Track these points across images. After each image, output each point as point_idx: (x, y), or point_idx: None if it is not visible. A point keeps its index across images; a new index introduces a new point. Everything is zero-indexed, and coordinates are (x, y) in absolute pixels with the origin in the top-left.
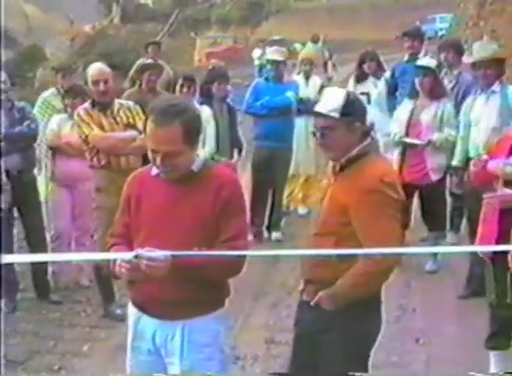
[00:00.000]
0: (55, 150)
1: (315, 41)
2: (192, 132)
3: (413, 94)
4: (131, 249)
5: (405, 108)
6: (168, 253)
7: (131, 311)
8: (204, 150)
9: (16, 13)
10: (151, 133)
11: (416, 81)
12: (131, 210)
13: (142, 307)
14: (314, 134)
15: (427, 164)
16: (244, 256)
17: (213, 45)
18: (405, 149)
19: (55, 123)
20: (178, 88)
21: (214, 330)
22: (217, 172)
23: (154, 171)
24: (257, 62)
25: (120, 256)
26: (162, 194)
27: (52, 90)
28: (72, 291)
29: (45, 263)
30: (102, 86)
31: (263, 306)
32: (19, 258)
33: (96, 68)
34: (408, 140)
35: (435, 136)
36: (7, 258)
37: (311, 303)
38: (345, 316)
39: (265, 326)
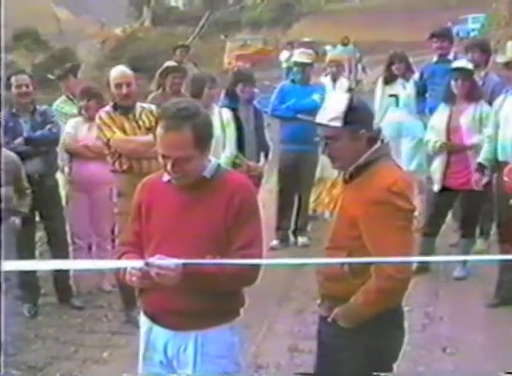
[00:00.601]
0: (73, 154)
1: (345, 43)
2: (203, 137)
3: (449, 98)
4: (142, 257)
5: (442, 114)
6: (180, 261)
7: (143, 321)
8: (224, 154)
9: (48, 17)
10: (161, 138)
11: (453, 84)
12: (142, 217)
13: (153, 317)
14: (319, 144)
15: (472, 169)
16: (259, 265)
17: (243, 48)
18: (448, 155)
19: (70, 126)
20: (205, 90)
21: (228, 342)
22: (230, 178)
23: (165, 177)
24: (284, 64)
25: (130, 264)
26: (173, 201)
27: (61, 98)
28: (94, 295)
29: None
30: (124, 89)
31: (287, 312)
32: (19, 266)
33: (119, 71)
34: (450, 144)
35: (477, 139)
36: (7, 266)
37: (328, 319)
38: (365, 333)
39: (289, 333)
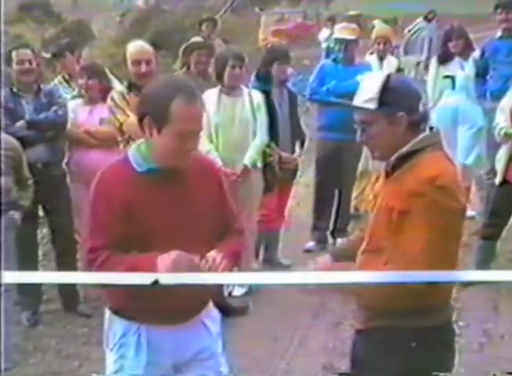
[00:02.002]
0: (73, 141)
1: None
2: None
3: None
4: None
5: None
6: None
7: (126, 330)
8: (254, 142)
9: None
10: (186, 113)
11: None
12: (122, 217)
13: (152, 320)
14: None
15: None
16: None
17: (280, 22)
18: None
19: (69, 109)
20: (228, 69)
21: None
22: (201, 161)
23: (141, 167)
24: (324, 44)
25: (138, 280)
26: (160, 194)
27: (56, 80)
28: (104, 302)
29: (75, 270)
30: (143, 67)
31: (322, 325)
32: (21, 278)
33: (137, 46)
34: None
35: None
36: (7, 277)
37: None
38: (405, 351)
39: (323, 349)
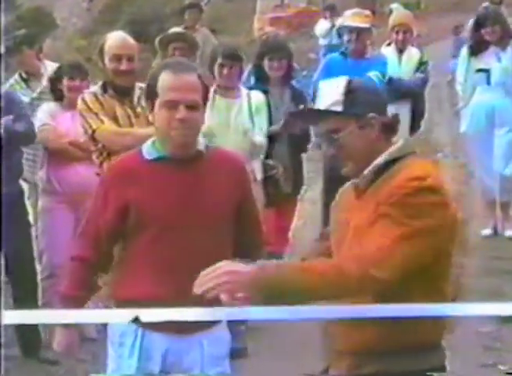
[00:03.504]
0: (52, 153)
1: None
2: (207, 91)
3: None
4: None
5: None
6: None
7: (128, 330)
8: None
9: None
10: (173, 82)
11: None
12: (119, 211)
13: (151, 324)
14: (320, 147)
15: None
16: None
17: (279, 8)
18: None
19: (47, 115)
20: (216, 68)
21: (228, 341)
22: (220, 153)
23: (150, 155)
24: (322, 41)
25: (118, 319)
26: (170, 182)
27: (12, 79)
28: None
29: (35, 307)
30: (124, 64)
31: None
32: (22, 317)
33: (118, 39)
34: None
35: None
36: (6, 318)
37: None
38: None
39: None
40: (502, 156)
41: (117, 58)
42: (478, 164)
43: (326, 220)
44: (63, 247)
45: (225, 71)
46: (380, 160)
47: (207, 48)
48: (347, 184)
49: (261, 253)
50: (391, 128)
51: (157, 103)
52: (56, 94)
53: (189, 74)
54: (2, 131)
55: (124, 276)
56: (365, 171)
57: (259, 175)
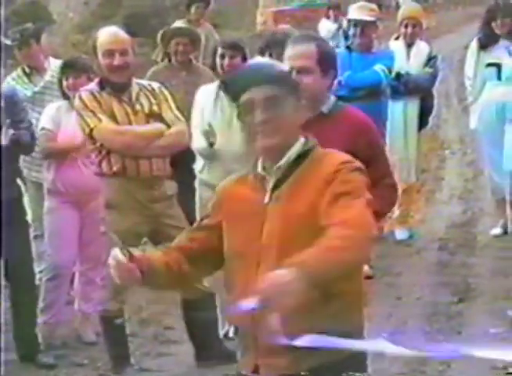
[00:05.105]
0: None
1: None
2: (327, 56)
3: None
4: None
5: None
6: None
7: None
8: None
9: None
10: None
11: None
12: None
13: None
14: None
15: None
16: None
17: (283, 1)
18: None
19: (48, 118)
20: (218, 61)
21: None
22: (350, 115)
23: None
24: (330, 42)
25: None
26: None
27: (14, 73)
28: (72, 349)
29: (33, 310)
30: (117, 59)
31: None
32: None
33: (110, 33)
34: None
35: None
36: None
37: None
38: None
39: None
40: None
41: (110, 53)
42: (488, 161)
43: None
44: (67, 247)
45: (226, 61)
46: (292, 152)
47: (210, 43)
48: (229, 180)
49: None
50: None
51: None
52: (65, 93)
53: (305, 44)
54: (2, 139)
55: None
56: (281, 163)
57: None
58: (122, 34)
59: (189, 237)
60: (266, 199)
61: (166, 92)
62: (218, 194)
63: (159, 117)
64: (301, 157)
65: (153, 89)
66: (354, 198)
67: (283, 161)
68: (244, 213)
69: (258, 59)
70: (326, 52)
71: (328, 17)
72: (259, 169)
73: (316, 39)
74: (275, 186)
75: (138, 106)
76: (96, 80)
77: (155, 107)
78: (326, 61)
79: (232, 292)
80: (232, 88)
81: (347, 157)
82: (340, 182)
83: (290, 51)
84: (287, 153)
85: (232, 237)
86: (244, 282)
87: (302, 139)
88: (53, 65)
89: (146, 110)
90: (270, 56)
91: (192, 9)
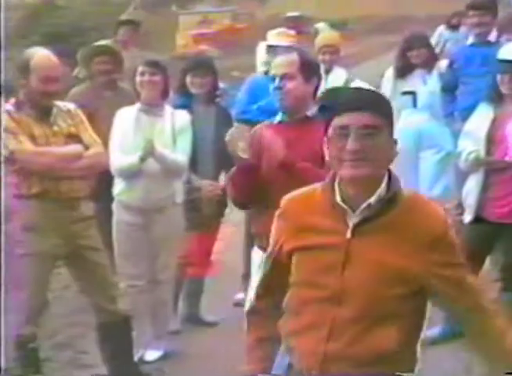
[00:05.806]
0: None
1: None
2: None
3: (494, 97)
4: None
5: (482, 117)
6: None
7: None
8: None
9: None
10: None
11: (499, 79)
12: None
13: None
14: None
15: None
16: None
17: (203, 24)
18: (488, 175)
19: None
20: (138, 77)
21: None
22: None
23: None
24: (261, 67)
25: None
26: None
27: None
28: None
29: None
30: (54, 85)
31: None
32: None
33: (47, 59)
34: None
35: None
36: None
37: None
38: None
39: None
40: (428, 178)
41: (47, 79)
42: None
43: (249, 243)
44: None
45: (145, 78)
46: (383, 190)
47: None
48: (296, 193)
49: None
50: None
51: None
52: None
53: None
54: None
55: None
56: (372, 201)
57: (180, 198)
58: (56, 60)
59: None
60: (348, 234)
61: (80, 113)
62: (286, 220)
63: (77, 139)
64: (392, 199)
65: (69, 110)
66: (467, 271)
67: (373, 200)
68: (323, 243)
69: (359, 83)
70: (308, 61)
71: (264, 40)
72: (338, 199)
73: (298, 50)
74: (359, 223)
75: (56, 128)
76: (12, 101)
77: (73, 128)
78: (307, 68)
79: (299, 319)
80: (329, 107)
81: (438, 208)
82: (450, 248)
83: (274, 61)
84: (377, 191)
85: (305, 266)
86: (317, 313)
87: (386, 177)
88: None
89: (65, 131)
90: (193, 77)
91: (122, 31)
